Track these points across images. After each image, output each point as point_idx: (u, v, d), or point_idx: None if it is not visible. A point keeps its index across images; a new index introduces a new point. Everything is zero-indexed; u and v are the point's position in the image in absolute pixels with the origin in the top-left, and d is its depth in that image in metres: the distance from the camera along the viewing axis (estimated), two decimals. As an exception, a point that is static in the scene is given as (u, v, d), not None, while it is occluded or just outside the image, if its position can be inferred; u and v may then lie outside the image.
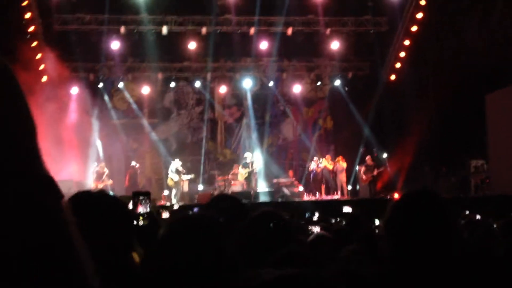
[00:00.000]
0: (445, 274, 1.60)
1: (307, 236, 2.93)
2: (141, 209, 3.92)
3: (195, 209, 9.32)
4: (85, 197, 1.75)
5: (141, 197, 4.09)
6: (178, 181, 16.89)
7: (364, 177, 16.96)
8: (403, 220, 1.74)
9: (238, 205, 2.51)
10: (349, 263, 2.40)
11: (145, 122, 19.90)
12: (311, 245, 2.29)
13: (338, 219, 7.53)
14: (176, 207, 12.67)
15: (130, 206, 3.94)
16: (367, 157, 17.07)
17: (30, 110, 0.88)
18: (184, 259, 1.43)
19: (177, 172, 16.94)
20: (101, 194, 1.81)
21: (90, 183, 17.18)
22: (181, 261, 1.43)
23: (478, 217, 7.03)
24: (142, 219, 3.66)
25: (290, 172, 19.18)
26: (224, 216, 2.23)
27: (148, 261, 1.44)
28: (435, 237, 1.69)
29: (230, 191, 16.61)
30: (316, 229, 4.36)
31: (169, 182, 17.05)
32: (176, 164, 17.11)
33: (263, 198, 15.98)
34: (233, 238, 1.97)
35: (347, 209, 8.52)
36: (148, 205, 4.00)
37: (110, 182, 17.08)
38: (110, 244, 1.56)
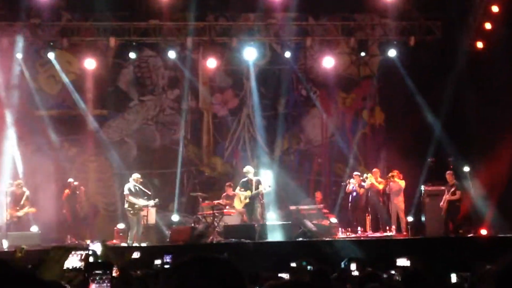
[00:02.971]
0: None
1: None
2: None
3: (167, 258, 7.47)
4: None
5: (97, 273, 3.55)
6: (138, 208, 13.93)
7: (441, 203, 14.82)
8: None
9: (233, 274, 1.99)
10: None
11: (88, 114, 16.93)
12: None
13: (393, 272, 6.76)
14: (136, 254, 8.88)
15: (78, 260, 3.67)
16: (448, 173, 14.79)
17: None
18: None
19: (136, 193, 13.99)
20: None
21: (1, 211, 14.70)
22: None
23: None
24: None
25: (317, 194, 16.53)
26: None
27: None
28: None
29: (222, 225, 14.25)
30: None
31: (127, 209, 14.06)
32: (135, 181, 14.20)
33: (274, 236, 13.81)
34: None
35: (402, 261, 7.08)
36: (106, 285, 3.55)
37: (32, 209, 14.68)
38: None
